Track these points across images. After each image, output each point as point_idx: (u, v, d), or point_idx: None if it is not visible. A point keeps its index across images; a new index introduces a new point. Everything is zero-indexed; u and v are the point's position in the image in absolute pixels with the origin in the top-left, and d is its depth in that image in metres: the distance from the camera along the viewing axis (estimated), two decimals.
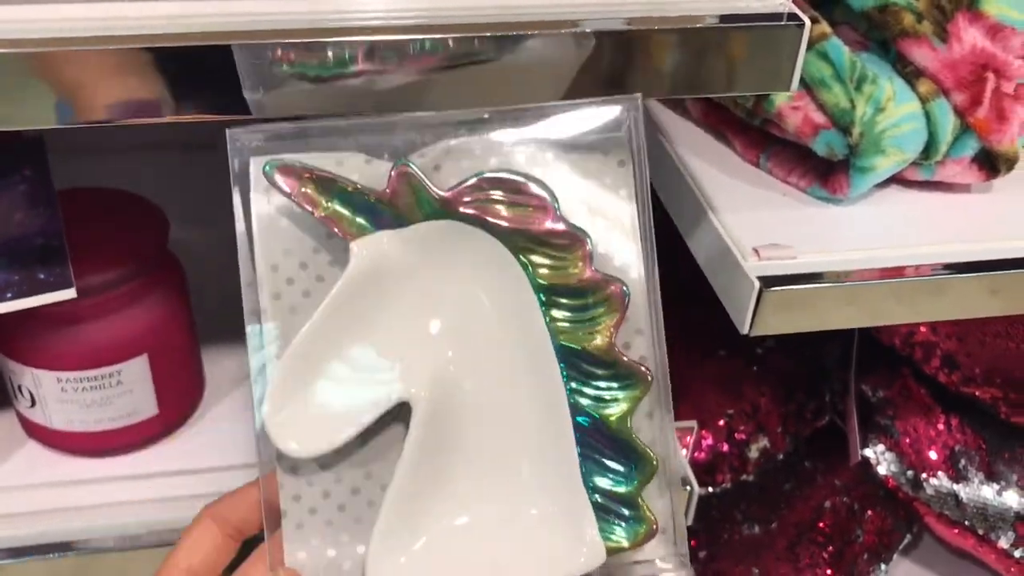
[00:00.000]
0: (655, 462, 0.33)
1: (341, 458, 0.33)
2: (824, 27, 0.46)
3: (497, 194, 0.32)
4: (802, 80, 0.46)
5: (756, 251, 0.45)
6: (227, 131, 0.32)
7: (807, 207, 0.50)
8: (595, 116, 0.34)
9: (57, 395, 0.51)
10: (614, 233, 0.34)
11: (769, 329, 0.44)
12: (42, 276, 0.46)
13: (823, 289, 0.44)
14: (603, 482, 0.33)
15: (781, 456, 0.72)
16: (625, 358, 0.33)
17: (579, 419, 0.33)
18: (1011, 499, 0.68)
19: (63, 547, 0.50)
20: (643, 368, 0.33)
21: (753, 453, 0.71)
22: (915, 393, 0.71)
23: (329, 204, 0.31)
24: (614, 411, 0.33)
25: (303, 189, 0.31)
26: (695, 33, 0.38)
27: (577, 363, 0.33)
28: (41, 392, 0.51)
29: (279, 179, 0.31)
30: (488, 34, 0.36)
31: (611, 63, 0.38)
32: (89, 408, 0.51)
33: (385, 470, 0.33)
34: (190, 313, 0.55)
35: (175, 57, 0.34)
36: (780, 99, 0.48)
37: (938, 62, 0.46)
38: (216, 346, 0.60)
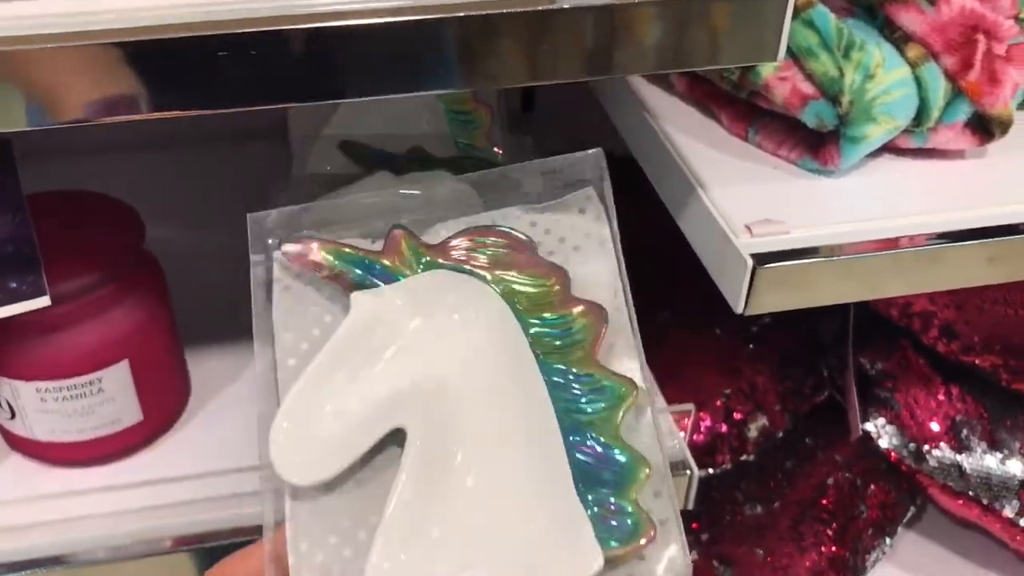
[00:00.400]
0: (647, 466, 0.34)
1: (340, 482, 0.35)
2: None
3: (481, 241, 0.36)
4: (788, 50, 0.45)
5: (748, 227, 0.44)
6: (248, 216, 0.36)
7: (798, 180, 0.49)
8: (566, 173, 0.37)
9: (37, 406, 0.49)
10: (591, 281, 0.37)
11: (764, 308, 0.44)
12: (14, 285, 0.45)
13: (818, 264, 0.44)
14: (596, 491, 0.34)
15: (781, 434, 0.72)
16: (609, 370, 0.35)
17: (569, 434, 0.35)
18: (1015, 467, 0.67)
19: (53, 561, 0.49)
20: (628, 378, 0.35)
21: (752, 432, 0.70)
22: (914, 364, 0.70)
23: (334, 263, 0.35)
24: (601, 421, 0.35)
25: (311, 257, 0.35)
26: (677, 5, 0.37)
27: (563, 379, 0.35)
28: (20, 403, 0.50)
29: (291, 250, 0.36)
30: (462, 14, 0.35)
31: (591, 40, 0.37)
32: (71, 418, 0.50)
33: (383, 492, 0.35)
34: (171, 315, 0.54)
35: (148, 51, 0.33)
36: (767, 70, 0.47)
37: (927, 25, 0.45)
38: (200, 347, 0.59)
